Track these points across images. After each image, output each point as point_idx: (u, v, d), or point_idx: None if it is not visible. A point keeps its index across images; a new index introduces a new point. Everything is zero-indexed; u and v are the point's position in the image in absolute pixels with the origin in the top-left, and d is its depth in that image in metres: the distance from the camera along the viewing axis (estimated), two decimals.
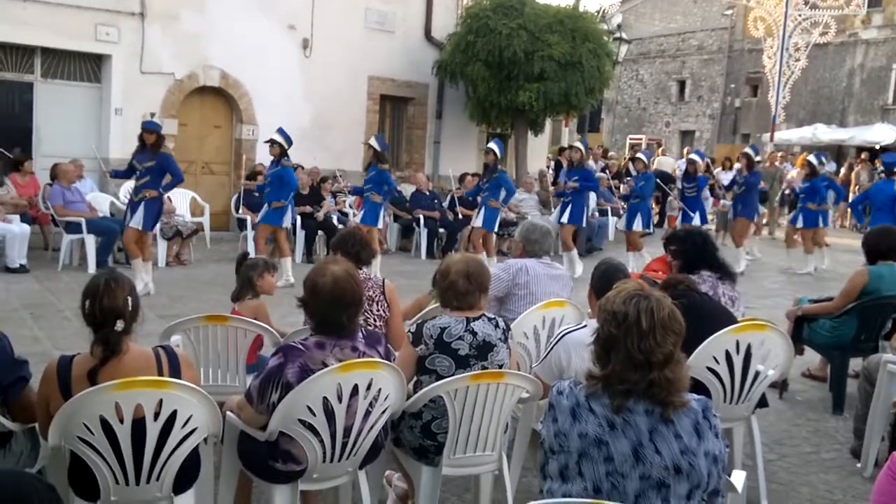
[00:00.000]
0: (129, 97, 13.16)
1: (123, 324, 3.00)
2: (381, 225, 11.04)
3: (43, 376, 3.01)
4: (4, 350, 3.13)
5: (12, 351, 3.19)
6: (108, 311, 2.97)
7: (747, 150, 13.79)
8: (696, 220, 12.60)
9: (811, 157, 13.85)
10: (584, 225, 12.85)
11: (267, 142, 10.49)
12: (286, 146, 10.26)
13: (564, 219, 12.10)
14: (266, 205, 10.25)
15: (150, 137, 8.94)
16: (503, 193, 11.79)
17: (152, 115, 9.51)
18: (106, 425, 2.87)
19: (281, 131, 10.43)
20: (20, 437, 3.22)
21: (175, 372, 3.08)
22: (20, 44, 12.46)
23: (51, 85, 12.97)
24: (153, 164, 8.91)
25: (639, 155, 13.51)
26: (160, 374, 3.04)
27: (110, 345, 2.98)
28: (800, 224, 13.19)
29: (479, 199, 12.13)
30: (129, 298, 3.03)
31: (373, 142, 11.28)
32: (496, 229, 12.11)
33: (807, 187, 13.28)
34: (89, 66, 13.29)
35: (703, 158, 15.04)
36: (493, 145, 11.83)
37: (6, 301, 8.32)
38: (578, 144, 12.93)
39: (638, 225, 12.22)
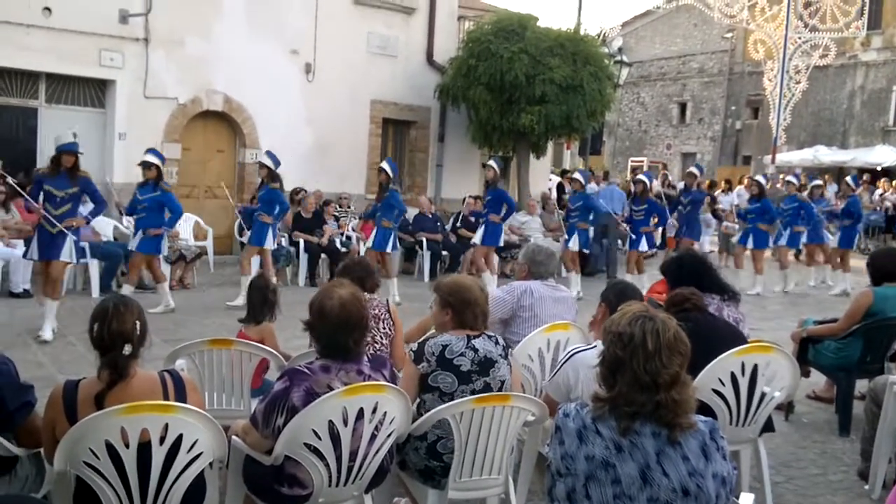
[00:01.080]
0: (132, 122, 13.23)
1: (131, 348, 3.00)
2: (389, 249, 10.94)
3: (49, 401, 3.00)
4: (10, 375, 3.13)
5: (18, 376, 3.19)
6: (116, 334, 2.97)
7: (759, 177, 14.04)
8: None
9: (759, 178, 14.13)
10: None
11: (257, 163, 10.55)
12: (274, 168, 10.37)
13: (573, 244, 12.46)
14: (254, 225, 10.47)
15: (69, 160, 8.14)
16: (504, 209, 11.93)
17: (75, 134, 8.63)
18: (111, 450, 2.86)
19: (269, 154, 10.59)
20: (26, 462, 3.22)
21: (181, 396, 3.07)
22: (25, 69, 12.55)
23: (55, 110, 13.04)
24: (76, 189, 8.25)
25: (640, 177, 13.57)
26: (166, 398, 3.03)
27: (118, 368, 2.97)
28: (750, 244, 13.10)
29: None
30: (138, 322, 3.04)
31: (385, 165, 11.35)
32: (499, 245, 12.39)
33: (756, 207, 13.20)
34: (93, 92, 13.38)
35: (702, 173, 15.15)
36: (492, 162, 12.16)
37: (10, 326, 8.32)
38: (578, 176, 13.16)
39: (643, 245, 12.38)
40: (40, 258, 8.16)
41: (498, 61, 14.81)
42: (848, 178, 14.40)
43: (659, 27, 37.88)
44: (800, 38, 22.93)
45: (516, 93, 14.96)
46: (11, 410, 3.09)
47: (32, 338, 7.75)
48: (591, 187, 15.59)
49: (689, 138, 36.16)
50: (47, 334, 7.71)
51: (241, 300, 9.72)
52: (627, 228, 13.13)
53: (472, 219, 13.94)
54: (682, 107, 36.67)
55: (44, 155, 12.80)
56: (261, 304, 4.93)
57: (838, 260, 13.84)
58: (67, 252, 8.11)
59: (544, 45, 15.10)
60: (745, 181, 20.26)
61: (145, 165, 9.69)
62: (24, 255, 8.79)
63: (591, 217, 12.68)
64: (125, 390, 2.98)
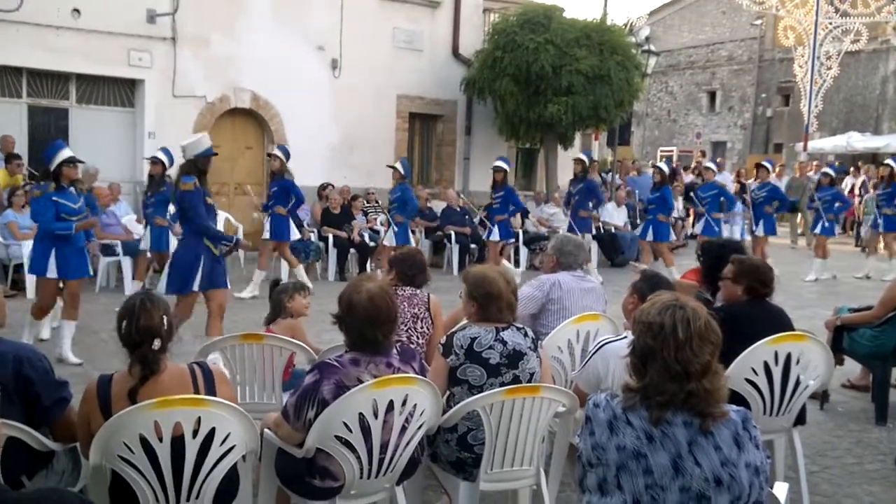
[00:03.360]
0: (161, 121, 13.36)
1: (160, 342, 3.03)
2: (413, 242, 11.49)
3: (84, 396, 3.05)
4: (46, 372, 3.17)
5: (53, 372, 3.24)
6: (144, 330, 3.01)
7: (827, 169, 14.07)
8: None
9: (662, 165, 13.73)
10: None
11: (268, 155, 10.90)
12: (285, 159, 10.64)
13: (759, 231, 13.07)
14: (270, 219, 10.63)
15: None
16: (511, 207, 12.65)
17: None
18: (146, 444, 2.90)
19: (281, 147, 10.94)
20: (62, 457, 3.27)
21: (210, 387, 3.11)
22: (55, 70, 12.72)
23: (85, 110, 13.21)
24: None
25: (708, 164, 13.73)
26: (196, 390, 3.08)
27: (148, 363, 3.01)
28: (650, 237, 12.60)
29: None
30: (165, 318, 3.07)
31: (397, 165, 11.86)
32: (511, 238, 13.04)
33: (656, 196, 12.71)
34: (123, 91, 13.52)
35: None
36: (500, 162, 12.54)
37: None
38: (582, 156, 13.42)
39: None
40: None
41: (524, 53, 14.76)
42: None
43: (687, 15, 37.49)
44: (830, 23, 22.60)
45: (543, 84, 14.89)
46: (47, 406, 3.13)
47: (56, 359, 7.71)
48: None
49: (719, 127, 35.78)
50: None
51: (247, 293, 10.21)
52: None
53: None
54: (712, 95, 36.28)
55: (76, 154, 12.95)
56: (285, 304, 4.97)
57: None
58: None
59: (570, 36, 15.02)
60: (777, 169, 20.09)
61: (272, 157, 10.55)
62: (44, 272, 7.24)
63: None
64: (157, 384, 3.02)
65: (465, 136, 17.34)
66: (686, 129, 36.85)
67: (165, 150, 10.31)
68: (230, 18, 13.89)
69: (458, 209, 14.11)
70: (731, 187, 17.39)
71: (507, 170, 12.45)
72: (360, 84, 15.30)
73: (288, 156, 10.75)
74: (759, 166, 14.09)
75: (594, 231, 13.56)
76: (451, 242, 13.48)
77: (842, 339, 6.24)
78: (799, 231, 18.94)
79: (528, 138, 16.81)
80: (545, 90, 14.94)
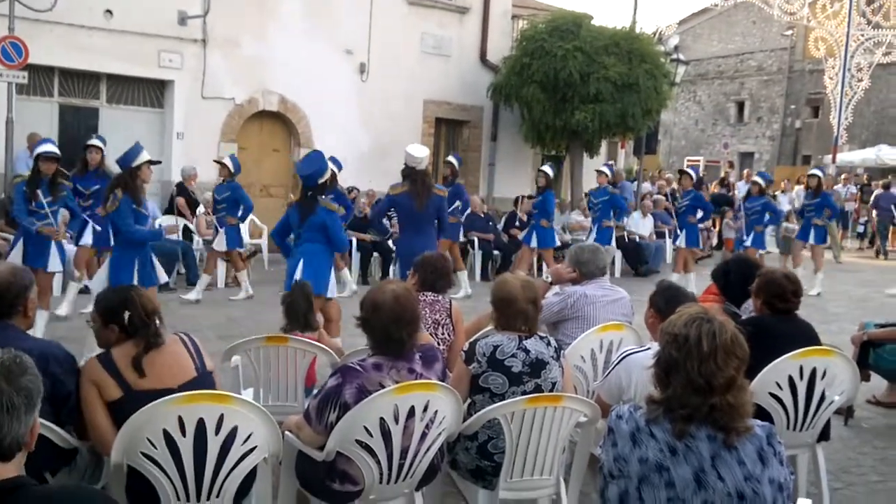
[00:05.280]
0: (190, 122, 13.48)
1: (159, 321, 3.31)
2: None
3: (87, 376, 3.16)
4: (73, 370, 3.21)
5: (80, 372, 3.27)
6: (151, 312, 3.28)
7: (756, 178, 13.51)
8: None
9: (603, 168, 13.50)
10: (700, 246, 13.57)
11: (216, 162, 10.94)
12: (232, 169, 10.59)
13: (680, 242, 12.58)
14: (222, 227, 10.49)
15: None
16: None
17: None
18: (168, 440, 2.93)
19: (231, 157, 10.92)
20: (85, 455, 3.29)
21: (198, 352, 3.37)
22: (87, 70, 12.87)
23: (115, 110, 13.35)
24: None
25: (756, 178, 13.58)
26: (189, 354, 3.31)
27: (158, 336, 3.25)
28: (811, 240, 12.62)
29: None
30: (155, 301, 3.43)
31: (451, 159, 11.84)
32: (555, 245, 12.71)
33: (604, 200, 12.78)
34: (153, 92, 13.66)
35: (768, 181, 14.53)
36: (547, 168, 12.37)
37: (72, 320, 8.52)
38: (604, 169, 13.19)
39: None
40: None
41: (552, 60, 14.75)
42: None
43: (716, 25, 37.29)
44: (862, 35, 22.40)
45: (570, 91, 14.88)
46: (74, 405, 3.16)
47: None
48: (646, 186, 15.44)
49: (747, 137, 35.54)
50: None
51: (242, 295, 10.26)
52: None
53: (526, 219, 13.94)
54: (740, 105, 36.05)
55: (105, 154, 13.10)
56: (305, 311, 4.97)
57: None
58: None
59: (599, 44, 14.99)
60: (804, 180, 19.90)
61: (220, 165, 10.57)
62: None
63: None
64: (162, 352, 3.24)
65: (491, 142, 17.35)
66: (713, 140, 36.63)
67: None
68: (260, 21, 13.99)
69: (482, 215, 14.09)
70: None
71: (550, 175, 12.32)
72: (387, 89, 15.35)
73: (237, 167, 10.74)
74: (681, 173, 13.71)
75: (614, 242, 13.46)
76: (473, 249, 13.46)
77: (868, 354, 6.17)
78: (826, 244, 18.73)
79: (554, 145, 16.79)
80: (572, 97, 14.92)
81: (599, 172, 13.42)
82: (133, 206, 6.69)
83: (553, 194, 12.70)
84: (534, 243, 12.25)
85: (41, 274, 7.41)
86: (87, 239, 9.07)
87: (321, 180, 6.99)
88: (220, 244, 10.53)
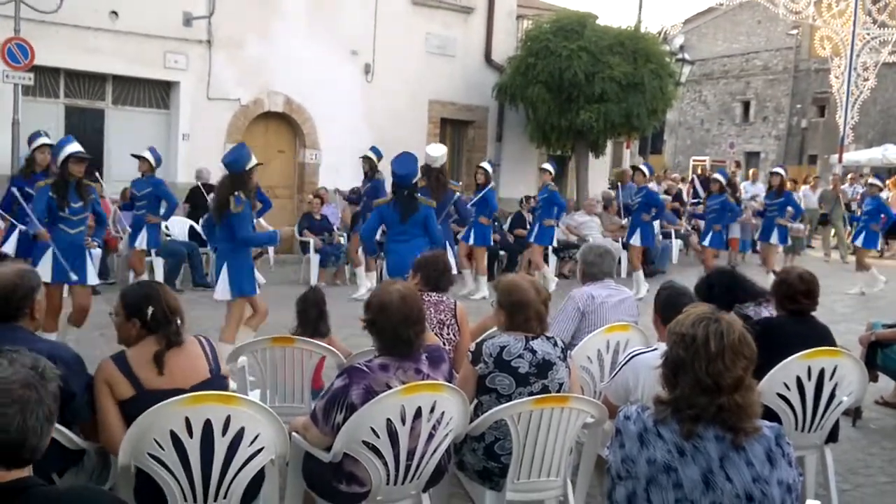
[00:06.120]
0: (196, 123, 13.50)
1: (180, 321, 3.30)
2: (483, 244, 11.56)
3: (100, 376, 3.17)
4: (80, 372, 3.21)
5: (86, 374, 3.27)
6: (173, 310, 3.28)
7: (717, 175, 13.39)
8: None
9: (546, 165, 12.89)
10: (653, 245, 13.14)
11: (134, 156, 10.37)
12: (154, 163, 10.14)
13: (635, 240, 12.20)
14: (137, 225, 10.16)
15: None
16: (555, 210, 12.34)
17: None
18: (176, 441, 2.93)
19: (151, 149, 10.38)
20: (92, 456, 3.30)
21: (214, 355, 3.37)
22: (92, 72, 12.88)
23: (121, 111, 13.37)
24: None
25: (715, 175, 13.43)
26: (206, 357, 3.31)
27: (178, 336, 3.24)
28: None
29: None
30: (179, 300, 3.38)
31: (486, 165, 11.71)
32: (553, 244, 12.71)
33: (544, 197, 12.41)
34: (158, 93, 13.67)
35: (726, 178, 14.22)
36: (547, 165, 12.51)
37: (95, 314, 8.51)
38: (643, 168, 12.90)
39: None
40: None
41: (557, 59, 14.73)
42: None
43: (722, 24, 37.26)
44: (868, 34, 22.35)
45: (575, 91, 14.85)
46: (79, 406, 3.16)
47: (99, 333, 7.91)
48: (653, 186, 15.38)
49: (753, 137, 35.49)
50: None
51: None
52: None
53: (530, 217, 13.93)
54: (746, 105, 36.00)
55: (111, 155, 13.17)
56: (316, 318, 4.97)
57: None
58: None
59: (604, 44, 14.97)
60: (812, 181, 19.86)
61: (140, 159, 9.98)
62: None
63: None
64: (180, 350, 3.23)
65: (496, 142, 17.34)
66: (719, 139, 36.59)
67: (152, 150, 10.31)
68: (265, 22, 14.00)
69: None
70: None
71: (552, 171, 12.33)
72: (392, 89, 15.34)
73: (158, 160, 10.36)
74: (634, 169, 13.31)
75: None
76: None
77: (876, 355, 6.14)
78: (833, 244, 18.71)
79: (559, 146, 16.76)
80: (577, 97, 14.90)
81: (543, 170, 12.99)
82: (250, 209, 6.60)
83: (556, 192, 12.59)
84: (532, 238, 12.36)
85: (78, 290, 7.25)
86: (36, 260, 7.66)
87: (415, 180, 7.45)
88: (141, 243, 10.11)
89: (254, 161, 6.76)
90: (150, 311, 3.21)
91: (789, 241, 13.54)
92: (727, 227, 12.39)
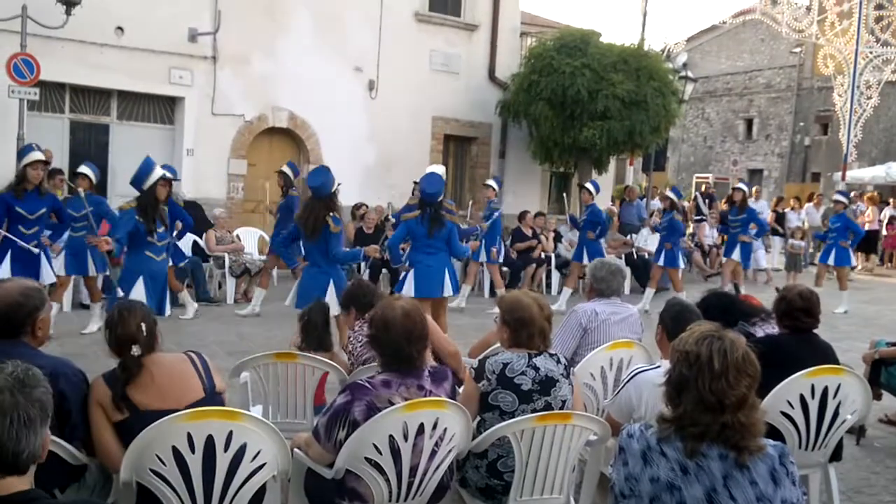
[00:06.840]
0: (200, 138, 13.55)
1: (139, 349, 3.18)
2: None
3: (93, 397, 3.15)
4: (81, 388, 3.20)
5: (88, 387, 3.27)
6: (124, 338, 3.18)
7: (668, 192, 13.21)
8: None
9: (490, 182, 12.76)
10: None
11: (77, 173, 8.98)
12: (94, 180, 9.11)
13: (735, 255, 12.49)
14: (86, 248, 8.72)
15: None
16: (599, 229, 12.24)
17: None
18: (178, 457, 2.92)
19: (89, 164, 9.19)
20: (94, 471, 3.29)
21: (208, 371, 3.30)
22: (98, 87, 12.95)
23: (126, 126, 13.43)
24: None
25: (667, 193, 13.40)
26: (198, 373, 3.26)
27: (128, 367, 3.15)
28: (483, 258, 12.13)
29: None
30: (143, 325, 3.23)
31: (491, 182, 12.16)
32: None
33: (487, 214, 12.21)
34: (163, 109, 13.73)
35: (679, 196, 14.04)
36: (589, 185, 12.36)
37: (80, 336, 8.54)
38: (491, 182, 12.77)
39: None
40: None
41: (560, 77, 14.78)
42: None
43: (725, 42, 37.37)
44: (871, 52, 22.37)
45: (578, 108, 14.90)
46: (78, 422, 3.16)
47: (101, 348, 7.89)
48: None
49: (756, 154, 35.50)
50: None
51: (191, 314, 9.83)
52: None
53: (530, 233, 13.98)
54: (749, 123, 36.04)
55: (115, 170, 13.20)
56: (321, 331, 4.97)
57: None
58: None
59: (607, 61, 15.03)
60: (815, 198, 19.86)
61: (82, 176, 8.72)
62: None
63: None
64: (171, 371, 3.23)
65: (499, 158, 17.38)
66: (722, 157, 36.62)
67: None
68: (270, 39, 14.07)
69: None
70: (768, 216, 17.21)
71: (593, 192, 12.16)
72: (396, 105, 15.40)
73: (98, 175, 9.28)
74: (580, 187, 13.13)
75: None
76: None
77: (880, 373, 6.12)
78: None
79: (562, 162, 16.80)
80: (580, 114, 14.94)
81: (486, 186, 12.80)
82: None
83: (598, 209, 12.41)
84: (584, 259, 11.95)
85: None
86: (48, 272, 8.03)
87: (440, 198, 7.86)
88: (91, 269, 9.00)
89: (337, 183, 7.22)
90: (107, 335, 3.25)
91: (752, 262, 13.60)
92: (677, 245, 12.21)
